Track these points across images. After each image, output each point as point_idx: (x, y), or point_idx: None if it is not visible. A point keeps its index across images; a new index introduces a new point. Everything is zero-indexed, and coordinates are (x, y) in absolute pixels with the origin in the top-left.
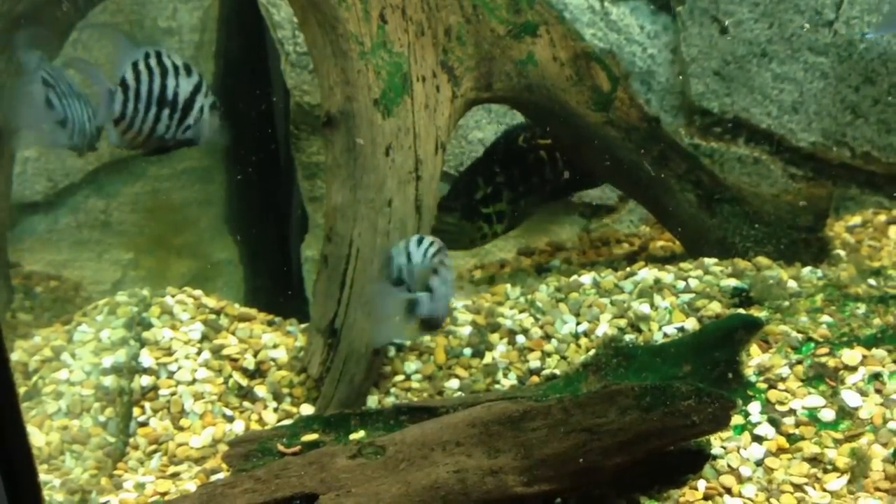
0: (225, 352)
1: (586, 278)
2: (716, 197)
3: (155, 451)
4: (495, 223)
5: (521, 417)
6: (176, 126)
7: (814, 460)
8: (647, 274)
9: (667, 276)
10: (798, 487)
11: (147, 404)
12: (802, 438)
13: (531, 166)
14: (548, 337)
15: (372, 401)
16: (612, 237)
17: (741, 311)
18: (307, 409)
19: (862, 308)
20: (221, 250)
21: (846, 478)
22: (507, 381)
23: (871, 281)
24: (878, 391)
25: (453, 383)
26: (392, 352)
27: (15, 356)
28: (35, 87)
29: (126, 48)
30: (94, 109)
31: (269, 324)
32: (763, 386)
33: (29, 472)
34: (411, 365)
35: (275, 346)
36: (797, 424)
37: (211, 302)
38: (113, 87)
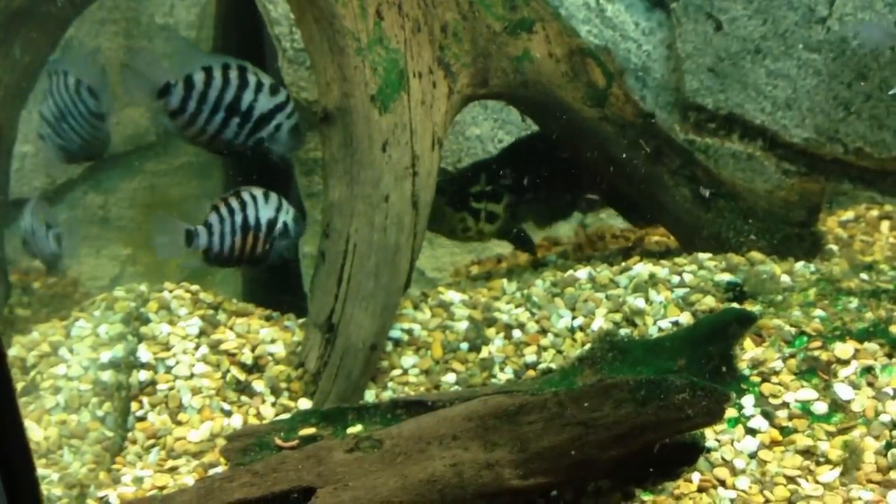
0: (223, 347)
1: (582, 273)
2: (710, 192)
3: (153, 446)
4: (483, 221)
5: (517, 411)
6: (246, 135)
7: (807, 453)
8: (641, 269)
9: (661, 270)
10: (791, 479)
11: (145, 399)
12: (795, 431)
13: (546, 180)
14: (544, 331)
15: (369, 395)
16: (607, 232)
17: (735, 305)
18: (305, 404)
19: (854, 302)
20: None
21: (839, 470)
22: (504, 376)
23: (864, 275)
24: (870, 384)
25: (450, 377)
26: (389, 346)
27: (13, 351)
28: None
29: (189, 52)
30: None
31: (267, 319)
32: (756, 379)
33: (27, 466)
34: (408, 359)
35: (272, 341)
36: (790, 417)
37: (208, 297)
38: (173, 81)
